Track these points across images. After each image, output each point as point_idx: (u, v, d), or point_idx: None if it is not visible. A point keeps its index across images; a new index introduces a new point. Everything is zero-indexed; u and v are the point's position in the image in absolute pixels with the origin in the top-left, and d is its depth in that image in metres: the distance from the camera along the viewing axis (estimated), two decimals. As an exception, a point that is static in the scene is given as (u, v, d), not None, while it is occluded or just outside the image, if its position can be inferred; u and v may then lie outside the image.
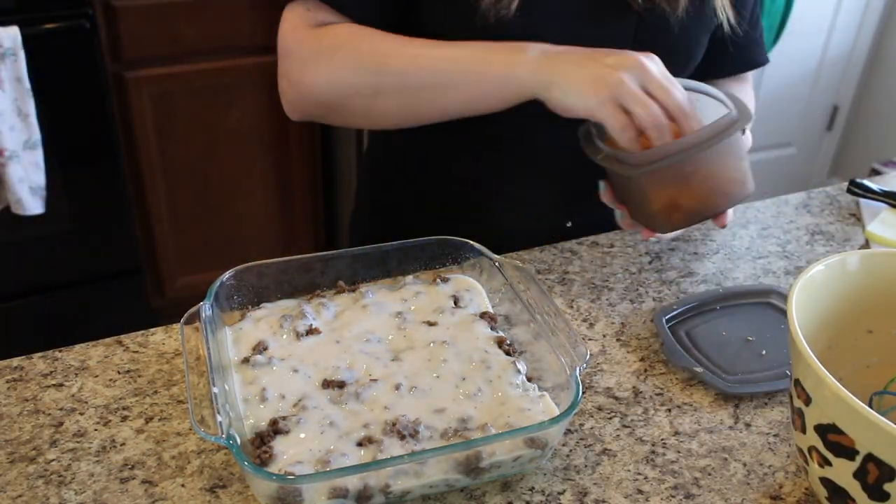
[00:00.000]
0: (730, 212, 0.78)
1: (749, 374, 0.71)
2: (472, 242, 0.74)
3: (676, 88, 0.69)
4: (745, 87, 0.97)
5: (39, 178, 1.60)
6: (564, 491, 0.59)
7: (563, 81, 0.69)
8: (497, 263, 0.72)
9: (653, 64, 0.69)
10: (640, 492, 0.60)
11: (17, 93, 1.51)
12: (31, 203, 1.61)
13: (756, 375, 0.71)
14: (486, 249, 0.73)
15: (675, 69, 0.85)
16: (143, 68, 1.73)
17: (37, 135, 1.56)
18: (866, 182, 1.03)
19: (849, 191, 1.04)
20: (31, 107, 1.53)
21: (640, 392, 0.70)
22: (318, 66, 0.77)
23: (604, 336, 0.76)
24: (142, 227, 1.90)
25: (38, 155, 1.58)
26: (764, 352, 0.74)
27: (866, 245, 0.94)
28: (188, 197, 1.93)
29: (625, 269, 0.86)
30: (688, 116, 0.70)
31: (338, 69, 0.76)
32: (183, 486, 0.59)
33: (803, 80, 2.73)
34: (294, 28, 0.79)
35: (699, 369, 0.70)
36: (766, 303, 0.81)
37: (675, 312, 0.77)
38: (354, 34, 0.77)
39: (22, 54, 1.48)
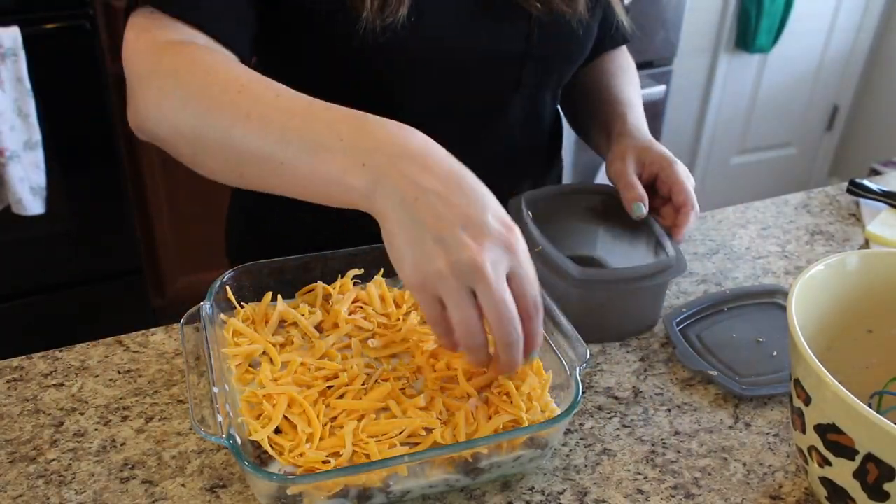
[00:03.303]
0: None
1: (761, 377, 0.71)
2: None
3: (510, 312, 0.52)
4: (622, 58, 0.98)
5: (40, 178, 1.60)
6: (564, 491, 0.60)
7: (391, 228, 0.52)
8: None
9: (493, 270, 0.51)
10: (640, 492, 0.60)
11: (18, 93, 1.51)
12: (32, 203, 1.61)
13: (768, 377, 0.71)
14: (486, 249, 0.73)
15: (572, 66, 0.87)
16: (144, 68, 1.73)
17: (37, 135, 1.56)
18: (866, 182, 1.03)
19: (849, 191, 1.04)
20: (31, 107, 1.53)
21: (640, 392, 0.70)
22: (148, 90, 0.62)
23: (604, 336, 0.76)
24: (142, 227, 1.90)
25: (39, 155, 1.58)
26: (774, 353, 0.74)
27: (866, 245, 0.94)
28: (188, 197, 1.93)
29: (625, 269, 0.86)
30: (508, 347, 0.53)
31: (164, 99, 0.61)
32: (183, 485, 0.59)
33: (803, 80, 2.74)
34: (136, 38, 0.65)
35: (714, 373, 0.70)
36: (772, 303, 0.81)
37: (684, 315, 0.77)
38: (196, 61, 0.61)
39: (22, 54, 1.49)
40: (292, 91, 0.59)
